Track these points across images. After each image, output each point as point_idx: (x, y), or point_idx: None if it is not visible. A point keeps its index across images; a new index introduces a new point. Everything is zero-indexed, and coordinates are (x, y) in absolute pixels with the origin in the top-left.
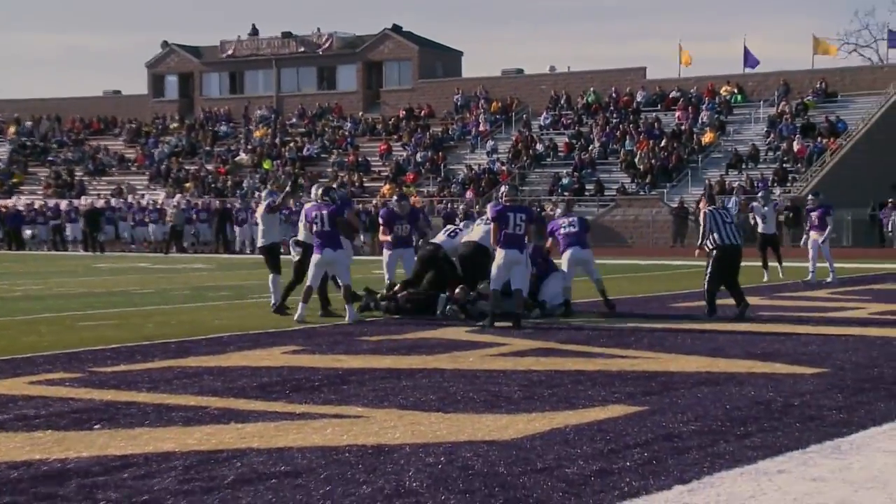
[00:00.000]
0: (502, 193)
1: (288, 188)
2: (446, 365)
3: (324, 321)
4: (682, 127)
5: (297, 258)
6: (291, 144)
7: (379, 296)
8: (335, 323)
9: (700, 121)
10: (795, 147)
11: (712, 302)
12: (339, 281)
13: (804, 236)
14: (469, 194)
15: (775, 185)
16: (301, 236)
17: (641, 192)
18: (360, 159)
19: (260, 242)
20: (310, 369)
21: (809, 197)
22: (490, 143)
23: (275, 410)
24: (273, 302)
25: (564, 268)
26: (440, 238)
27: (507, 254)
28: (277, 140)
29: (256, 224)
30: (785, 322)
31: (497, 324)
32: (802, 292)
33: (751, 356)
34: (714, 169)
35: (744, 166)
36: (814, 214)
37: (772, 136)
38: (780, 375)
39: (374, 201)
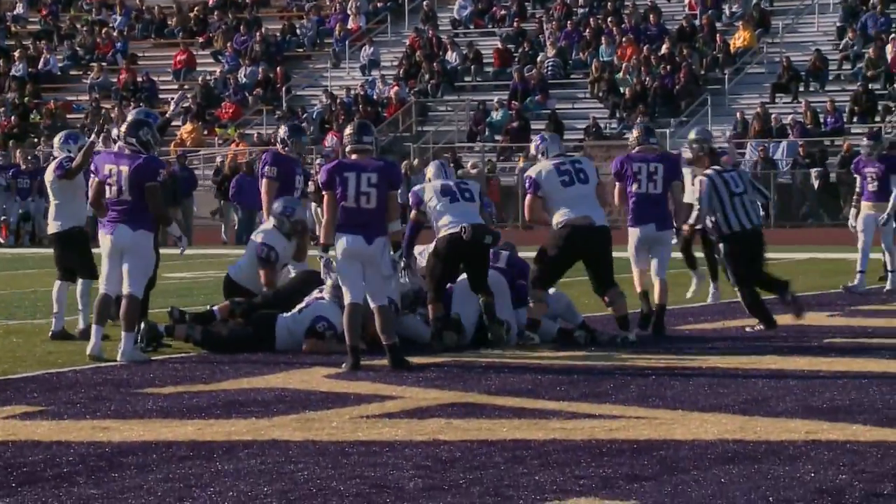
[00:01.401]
0: (346, 141)
1: (95, 132)
2: (292, 434)
3: (78, 362)
4: (697, 22)
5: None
6: (17, 53)
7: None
8: (96, 365)
9: (727, 11)
10: (889, 55)
11: (755, 308)
12: (126, 286)
13: (851, 209)
14: (330, 139)
15: (855, 119)
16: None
17: (627, 134)
18: (139, 79)
19: (52, 227)
20: (51, 446)
21: (864, 142)
22: (367, 50)
23: None
24: (55, 324)
25: (631, 253)
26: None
27: (350, 242)
28: None
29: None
30: (869, 354)
31: (373, 361)
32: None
33: (810, 413)
34: (751, 93)
35: (801, 88)
36: (870, 172)
37: (849, 35)
38: (858, 445)
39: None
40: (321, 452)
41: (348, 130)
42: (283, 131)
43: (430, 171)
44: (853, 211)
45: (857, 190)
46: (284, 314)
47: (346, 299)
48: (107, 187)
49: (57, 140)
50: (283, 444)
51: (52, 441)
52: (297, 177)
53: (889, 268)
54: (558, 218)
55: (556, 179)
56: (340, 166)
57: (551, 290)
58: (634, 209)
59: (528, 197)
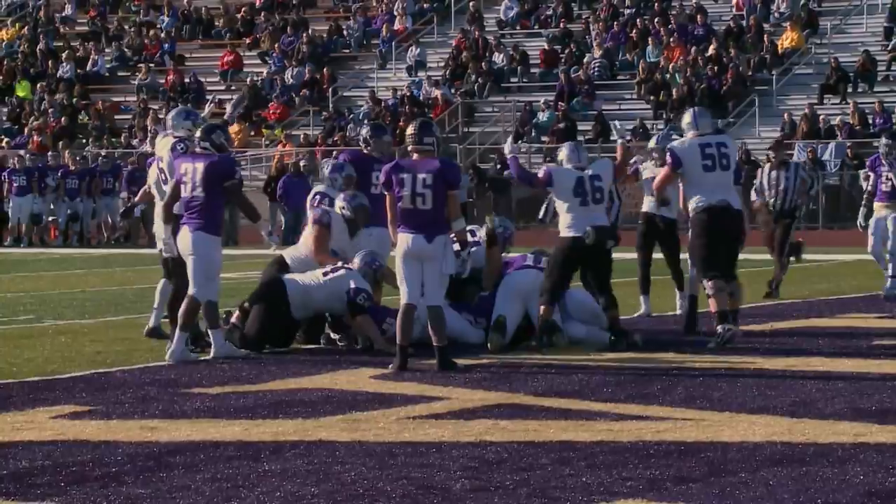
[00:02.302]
0: (408, 141)
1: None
2: (339, 435)
3: (126, 362)
4: (744, 23)
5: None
6: (66, 54)
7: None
8: (144, 365)
9: (775, 12)
10: None
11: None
12: (190, 287)
13: (861, 209)
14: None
15: None
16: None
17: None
18: (186, 80)
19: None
20: (100, 446)
21: (883, 141)
22: (413, 51)
23: None
24: (152, 323)
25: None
26: None
27: (410, 242)
28: (41, 46)
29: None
30: None
31: (419, 362)
32: None
33: (860, 415)
34: (798, 94)
35: (849, 89)
36: (886, 172)
37: None
38: None
39: None
40: (368, 453)
41: (410, 130)
42: (365, 131)
43: (564, 153)
44: (863, 210)
45: (869, 188)
46: (291, 277)
47: (402, 299)
48: (181, 186)
49: (171, 119)
50: (329, 444)
51: (100, 441)
52: (373, 174)
53: (890, 273)
54: (694, 203)
55: (699, 162)
56: (397, 167)
57: (578, 296)
58: None
59: (666, 169)
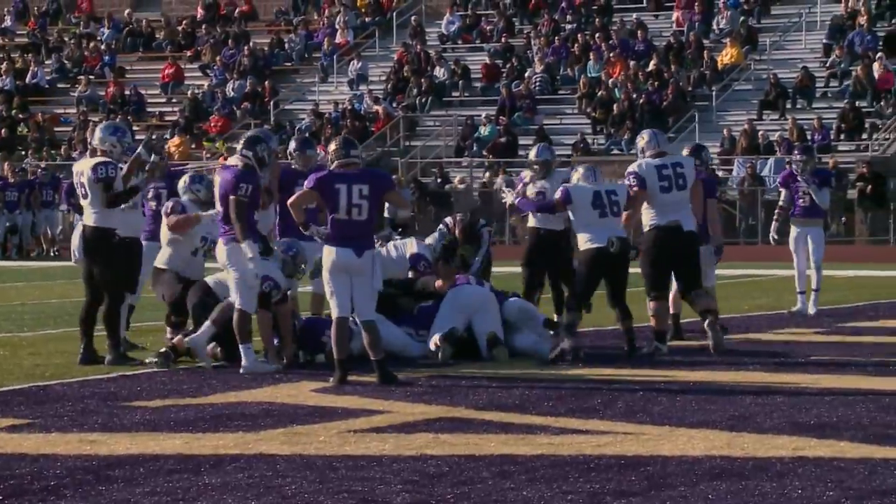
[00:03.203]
0: (333, 157)
1: (149, 143)
2: (280, 448)
3: (65, 375)
4: (685, 39)
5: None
6: (5, 65)
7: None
8: (84, 378)
9: (715, 27)
10: (876, 73)
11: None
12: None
13: (773, 223)
14: (320, 154)
15: (842, 137)
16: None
17: (615, 150)
18: (127, 93)
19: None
20: (38, 460)
21: (795, 155)
22: (355, 65)
23: None
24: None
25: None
26: None
27: (339, 255)
28: None
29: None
30: (856, 370)
31: (357, 378)
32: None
33: (798, 429)
34: (738, 109)
35: (788, 105)
36: (802, 188)
37: (835, 53)
38: (845, 462)
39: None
40: (309, 466)
41: (333, 146)
42: (291, 145)
43: (580, 173)
44: (775, 224)
45: (781, 203)
46: (216, 279)
47: (334, 314)
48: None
49: (98, 132)
50: (270, 458)
51: (39, 454)
52: (295, 188)
53: (814, 286)
54: (646, 220)
55: (657, 183)
56: (332, 177)
57: (513, 299)
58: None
59: (636, 191)
